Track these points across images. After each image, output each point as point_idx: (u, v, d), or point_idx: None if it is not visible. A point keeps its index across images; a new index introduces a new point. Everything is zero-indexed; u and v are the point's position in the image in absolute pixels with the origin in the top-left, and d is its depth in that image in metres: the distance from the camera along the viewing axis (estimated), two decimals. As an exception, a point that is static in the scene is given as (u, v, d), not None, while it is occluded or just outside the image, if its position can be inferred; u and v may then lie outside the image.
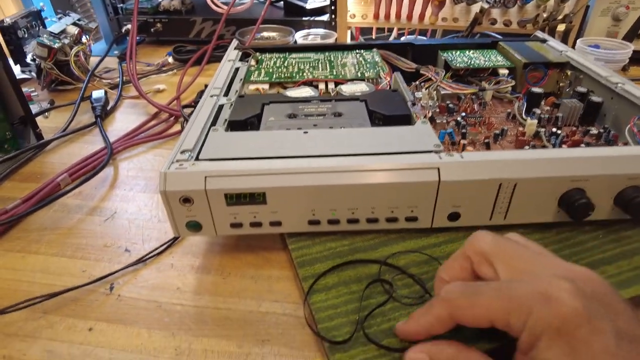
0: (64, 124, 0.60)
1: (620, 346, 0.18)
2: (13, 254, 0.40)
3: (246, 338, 0.32)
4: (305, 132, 0.38)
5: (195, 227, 0.35)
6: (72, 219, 0.45)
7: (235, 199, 0.33)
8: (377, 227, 0.36)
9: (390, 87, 0.50)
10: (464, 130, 0.45)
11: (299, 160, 0.34)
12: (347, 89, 0.48)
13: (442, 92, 0.53)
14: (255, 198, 0.33)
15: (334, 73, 0.53)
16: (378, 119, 0.42)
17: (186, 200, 0.33)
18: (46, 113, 0.63)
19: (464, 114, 0.50)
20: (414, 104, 0.44)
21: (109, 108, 0.65)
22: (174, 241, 0.40)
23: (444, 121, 0.48)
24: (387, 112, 0.42)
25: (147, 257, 0.39)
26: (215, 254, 0.39)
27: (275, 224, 0.35)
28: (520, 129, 0.46)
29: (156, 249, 0.39)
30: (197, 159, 0.35)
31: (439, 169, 0.33)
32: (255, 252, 0.39)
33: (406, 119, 0.42)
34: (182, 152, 0.35)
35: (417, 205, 0.35)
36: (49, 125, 0.62)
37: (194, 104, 0.59)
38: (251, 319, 0.33)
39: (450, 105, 0.51)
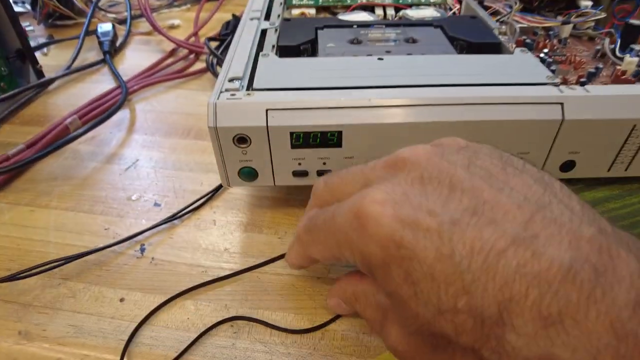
0: (68, 62, 0.52)
1: (454, 241, 0.14)
2: (20, 207, 0.33)
3: (318, 312, 0.26)
4: (380, 59, 0.30)
5: (250, 174, 0.28)
6: (86, 167, 0.37)
7: (303, 139, 0.26)
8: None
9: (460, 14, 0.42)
10: (552, 68, 0.38)
11: (383, 91, 0.26)
12: (413, 13, 0.40)
13: (517, 26, 0.44)
14: (328, 139, 0.26)
15: (392, -3, 0.44)
16: (461, 47, 0.34)
17: (242, 140, 0.26)
18: (45, 49, 0.55)
19: (545, 50, 0.42)
20: (499, 34, 0.36)
21: (118, 44, 0.56)
22: (214, 193, 0.34)
23: (525, 57, 0.40)
24: (472, 39, 0.34)
25: (184, 212, 0.32)
26: (265, 210, 0.32)
27: (349, 173, 0.28)
28: (618, 67, 0.39)
29: (194, 202, 0.33)
30: (249, 87, 0.27)
31: (562, 105, 0.26)
32: (313, 209, 0.32)
33: (496, 48, 0.34)
34: (231, 80, 0.28)
35: (529, 151, 0.28)
36: (49, 63, 0.53)
37: (220, 37, 0.50)
38: (321, 288, 0.27)
39: (528, 41, 0.43)
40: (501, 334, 0.13)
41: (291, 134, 0.26)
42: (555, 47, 0.43)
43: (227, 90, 0.27)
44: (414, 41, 0.35)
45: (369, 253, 0.16)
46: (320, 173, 0.28)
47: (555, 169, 0.29)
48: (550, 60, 0.39)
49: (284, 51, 0.33)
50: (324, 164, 0.28)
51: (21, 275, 0.27)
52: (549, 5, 0.48)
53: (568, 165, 0.29)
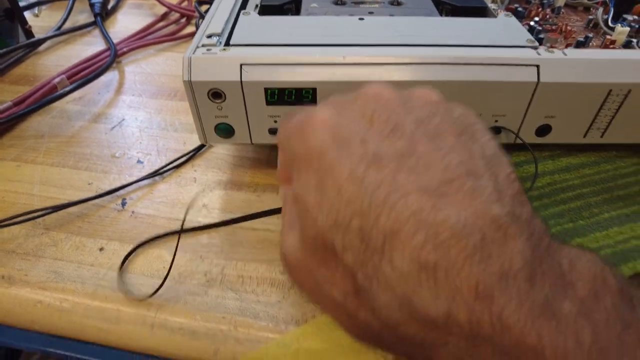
0: (58, 23, 0.52)
1: (370, 170, 0.14)
2: (7, 162, 0.34)
3: (290, 265, 0.27)
4: (361, 19, 0.30)
5: (226, 131, 0.28)
6: (73, 126, 0.38)
7: (278, 96, 0.26)
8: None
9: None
10: (540, 36, 0.37)
11: (360, 50, 0.27)
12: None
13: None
14: (303, 96, 0.26)
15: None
16: (446, 11, 0.34)
17: (216, 95, 0.26)
18: (36, 9, 0.55)
19: (537, 18, 0.41)
20: None
21: (109, 7, 0.55)
22: (196, 152, 0.34)
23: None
24: (458, 3, 0.34)
25: (165, 169, 0.33)
26: (246, 169, 0.33)
27: (324, 131, 0.28)
28: (609, 37, 0.38)
29: (175, 159, 0.33)
30: (227, 44, 0.28)
31: (538, 67, 0.26)
32: (292, 169, 0.33)
33: (481, 12, 0.34)
34: (209, 36, 0.28)
35: (505, 114, 0.28)
36: (40, 24, 0.53)
37: (210, 1, 0.50)
38: (294, 243, 0.28)
39: (520, 9, 0.42)
40: (378, 263, 0.14)
41: (266, 90, 0.26)
42: (547, 16, 0.43)
43: (203, 45, 0.27)
44: (399, 3, 0.34)
45: (297, 153, 0.17)
46: (296, 131, 0.28)
47: (531, 134, 0.29)
48: (540, 28, 0.39)
49: (266, 10, 0.33)
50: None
51: (5, 223, 0.28)
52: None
53: (544, 130, 0.29)
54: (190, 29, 0.52)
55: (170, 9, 0.53)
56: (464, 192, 0.14)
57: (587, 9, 0.44)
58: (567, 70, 0.26)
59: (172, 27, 0.52)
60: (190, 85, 0.26)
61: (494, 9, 0.34)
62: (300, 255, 0.17)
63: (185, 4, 0.56)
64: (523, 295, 0.12)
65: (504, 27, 0.30)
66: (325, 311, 0.17)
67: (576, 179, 0.29)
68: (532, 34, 0.39)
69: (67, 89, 0.38)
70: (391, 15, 0.32)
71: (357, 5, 0.34)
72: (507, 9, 0.41)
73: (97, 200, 0.31)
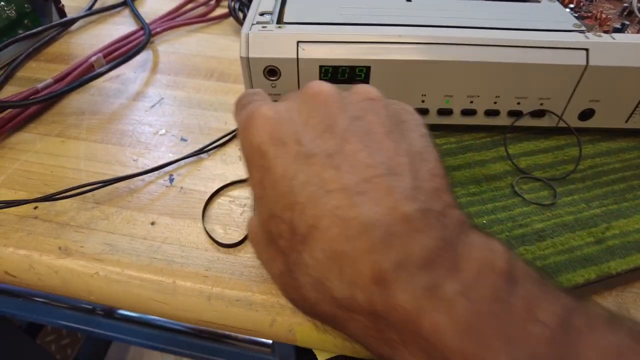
0: (89, 3, 0.52)
1: (301, 168, 0.16)
2: (51, 138, 0.35)
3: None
4: (409, 1, 0.30)
5: (276, 109, 0.29)
6: (112, 103, 0.38)
7: (332, 73, 0.27)
8: (495, 123, 0.30)
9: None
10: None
11: (411, 29, 0.27)
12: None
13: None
14: (356, 74, 0.27)
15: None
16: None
17: (272, 72, 0.27)
18: (66, -11, 0.54)
19: (571, 5, 0.41)
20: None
21: (138, -13, 0.55)
22: (238, 132, 0.35)
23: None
24: (500, -13, 0.34)
25: (211, 146, 0.33)
26: (288, 149, 0.33)
27: (374, 111, 0.29)
28: (644, 24, 0.39)
29: (220, 138, 0.34)
30: (280, 22, 0.28)
31: (587, 51, 0.27)
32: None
33: (523, -2, 0.34)
34: (262, 14, 0.28)
35: (550, 97, 0.28)
36: (70, 4, 0.53)
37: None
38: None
39: (553, -4, 0.42)
40: (301, 251, 0.16)
41: (320, 67, 0.27)
42: (581, 3, 0.43)
43: (258, 22, 0.27)
44: (442, -14, 0.34)
45: (244, 148, 0.19)
46: (345, 110, 0.29)
47: (574, 117, 0.30)
48: (575, 15, 0.39)
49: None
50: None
51: (58, 196, 0.29)
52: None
53: (587, 114, 0.29)
54: (220, 10, 0.52)
55: (200, -10, 0.53)
56: (381, 190, 0.15)
57: (619, -4, 0.45)
58: (616, 54, 0.27)
59: (202, 9, 0.52)
60: (247, 62, 0.26)
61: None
62: (257, 235, 0.19)
63: (213, -14, 0.56)
64: (413, 280, 0.14)
65: (549, 11, 0.31)
66: (274, 281, 0.19)
67: (617, 162, 0.29)
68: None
69: (105, 67, 0.39)
70: (437, -3, 0.32)
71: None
72: None
73: (144, 176, 0.31)
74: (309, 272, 0.16)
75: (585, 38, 0.27)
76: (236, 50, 0.44)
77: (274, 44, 0.26)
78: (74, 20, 0.48)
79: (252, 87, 0.28)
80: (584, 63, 0.27)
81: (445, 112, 0.29)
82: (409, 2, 0.30)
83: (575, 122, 0.30)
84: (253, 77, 0.27)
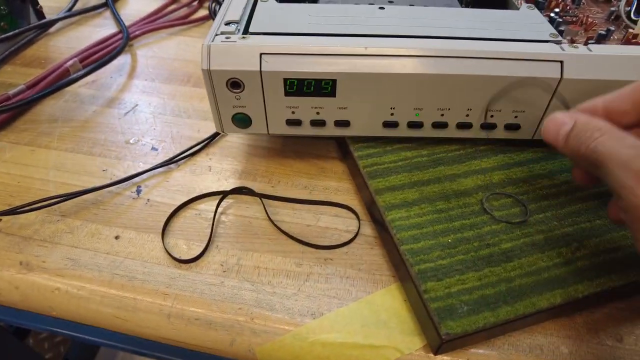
0: (69, 3, 0.51)
1: None
2: (21, 147, 0.34)
3: (306, 256, 0.27)
4: (382, 8, 0.30)
5: (243, 121, 0.28)
6: (86, 110, 0.38)
7: (297, 87, 0.26)
8: (467, 135, 0.29)
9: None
10: (561, 28, 0.37)
11: (381, 41, 0.26)
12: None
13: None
14: (322, 87, 0.26)
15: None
16: (467, 2, 0.33)
17: (235, 84, 0.26)
18: (47, -11, 0.54)
19: (557, 9, 0.40)
20: (508, -12, 0.35)
21: (120, -13, 0.54)
22: (210, 140, 0.34)
23: (535, 15, 0.39)
24: (479, -7, 0.33)
25: (180, 156, 0.33)
26: (260, 159, 0.33)
27: (342, 124, 0.28)
28: (631, 30, 0.38)
29: (190, 147, 0.33)
30: (245, 32, 0.27)
31: (562, 63, 0.26)
32: (306, 160, 0.33)
33: (502, 3, 0.33)
34: (227, 23, 0.28)
35: (525, 109, 0.27)
36: (50, 4, 0.52)
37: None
38: (310, 235, 0.28)
39: (540, 0, 0.41)
40: None
41: (285, 80, 0.26)
42: (568, 8, 0.42)
43: (222, 33, 0.27)
44: (419, -8, 0.33)
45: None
46: (314, 123, 0.28)
47: (551, 129, 0.29)
48: (560, 20, 0.38)
49: (284, -3, 0.33)
50: (318, 113, 0.28)
51: (22, 209, 0.28)
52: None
53: (564, 126, 0.28)
54: (202, 12, 0.51)
55: (182, -9, 0.52)
56: None
57: (608, 0, 0.43)
58: (591, 66, 0.26)
59: (184, 10, 0.51)
60: (209, 74, 0.25)
61: (515, 0, 0.34)
62: None
63: (196, -14, 0.55)
64: None
65: (527, 19, 0.29)
66: None
67: (595, 177, 0.28)
68: (552, 25, 0.38)
69: (80, 73, 0.38)
70: (411, 4, 0.31)
71: (376, -7, 0.33)
72: (528, 0, 0.40)
73: (112, 188, 0.31)
74: None
75: (561, 50, 0.26)
76: (215, 54, 0.44)
77: (236, 56, 0.25)
78: (52, 22, 0.47)
79: (216, 100, 0.27)
80: (558, 76, 0.26)
81: (415, 125, 0.28)
82: (381, 10, 0.29)
83: (551, 135, 0.29)
84: (216, 89, 0.26)
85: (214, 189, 0.30)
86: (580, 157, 0.20)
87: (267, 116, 0.28)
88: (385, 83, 0.26)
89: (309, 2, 0.33)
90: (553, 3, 0.42)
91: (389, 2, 0.32)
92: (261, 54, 0.25)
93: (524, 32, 0.28)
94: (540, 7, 0.41)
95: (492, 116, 0.28)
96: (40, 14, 0.47)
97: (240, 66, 0.25)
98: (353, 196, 0.30)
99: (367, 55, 0.25)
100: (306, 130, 0.28)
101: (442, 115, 0.27)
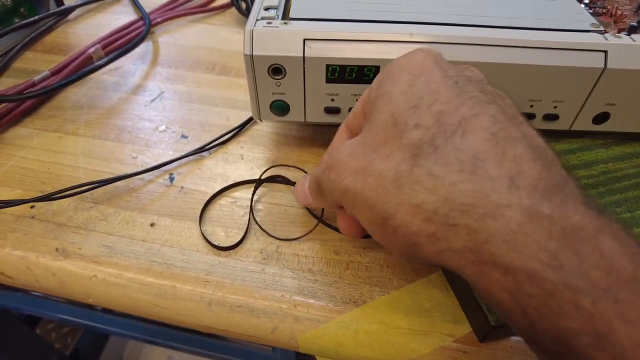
0: (87, -10, 0.50)
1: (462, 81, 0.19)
2: (48, 133, 0.34)
3: (344, 244, 0.26)
4: (421, -5, 0.29)
5: (281, 108, 0.28)
6: (111, 97, 0.37)
7: (339, 73, 0.26)
8: (506, 125, 0.29)
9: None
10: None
11: (425, 28, 0.26)
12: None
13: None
14: (364, 74, 0.26)
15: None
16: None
17: (277, 70, 0.26)
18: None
19: (586, 1, 0.40)
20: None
21: (137, -25, 0.54)
22: (241, 128, 0.34)
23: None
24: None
25: (211, 144, 0.32)
26: (292, 148, 0.33)
27: (381, 112, 0.28)
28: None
29: (221, 136, 0.33)
30: (285, 17, 0.27)
31: (606, 53, 0.25)
32: (339, 149, 0.32)
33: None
34: (267, 8, 0.27)
35: (565, 100, 0.27)
36: (67, -10, 0.52)
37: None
38: (347, 224, 0.27)
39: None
40: (449, 137, 0.17)
41: (327, 66, 0.25)
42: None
43: (263, 18, 0.26)
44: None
45: (396, 64, 0.21)
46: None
47: (588, 121, 0.29)
48: (590, 11, 0.38)
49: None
50: (357, 101, 0.27)
51: (55, 196, 0.28)
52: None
53: (602, 118, 0.28)
54: (221, 0, 0.51)
55: (201, -21, 0.51)
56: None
57: (633, -8, 0.43)
58: (636, 56, 0.26)
59: (203, -2, 0.50)
60: (251, 60, 0.25)
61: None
62: (357, 147, 0.20)
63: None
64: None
65: (566, 9, 0.29)
66: (364, 190, 0.19)
67: (631, 168, 0.28)
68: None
69: (104, 60, 0.37)
70: (449, -8, 0.31)
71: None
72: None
73: (143, 175, 0.30)
74: (459, 150, 0.16)
75: (604, 39, 0.26)
76: (238, 42, 0.43)
77: (279, 41, 0.25)
78: (71, 9, 0.47)
79: (256, 86, 0.27)
80: (602, 66, 0.26)
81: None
82: (420, -3, 0.29)
83: (589, 126, 0.29)
84: (257, 75, 0.26)
85: (248, 177, 0.30)
86: (330, 201, 0.22)
87: (305, 103, 0.28)
88: (428, 71, 0.26)
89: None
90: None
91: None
92: (305, 40, 0.25)
93: (565, 22, 0.28)
94: (568, -2, 0.41)
95: (531, 106, 0.28)
96: (59, 1, 0.46)
97: (284, 52, 0.25)
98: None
99: (412, 42, 0.25)
100: (344, 118, 0.28)
101: (483, 104, 0.27)
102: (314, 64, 0.25)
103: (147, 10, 0.47)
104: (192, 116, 0.35)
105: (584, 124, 0.29)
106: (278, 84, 0.26)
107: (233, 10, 0.48)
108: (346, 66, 0.25)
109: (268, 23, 0.26)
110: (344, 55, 0.25)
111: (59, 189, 0.28)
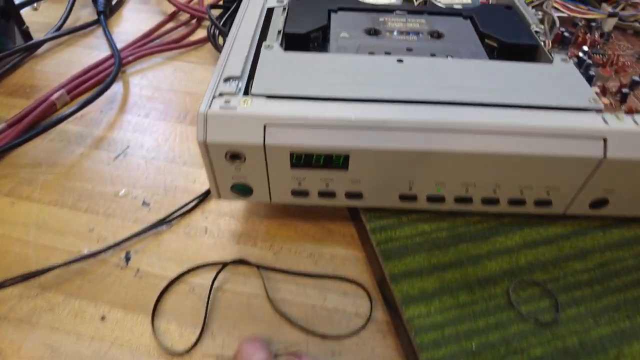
0: (58, 21, 0.47)
1: None
2: (0, 198, 0.31)
3: (311, 345, 0.24)
4: (400, 61, 0.26)
5: (243, 191, 0.25)
6: (73, 152, 0.35)
7: (304, 160, 0.23)
8: (493, 210, 0.26)
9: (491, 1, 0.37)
10: (591, 73, 0.33)
11: (402, 110, 0.23)
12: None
13: (555, 16, 0.39)
14: (333, 162, 0.23)
15: (418, -26, 0.39)
16: (491, 48, 0.30)
17: (235, 156, 0.23)
18: (35, 3, 0.50)
19: (585, 48, 0.37)
20: (536, 32, 0.32)
21: (114, 2, 0.51)
22: (205, 196, 0.31)
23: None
24: (505, 38, 0.30)
25: (173, 216, 0.30)
26: (261, 218, 0.30)
27: (354, 196, 0.25)
28: (668, 74, 0.34)
29: (184, 205, 0.30)
30: (247, 91, 0.24)
31: (605, 141, 0.23)
32: (311, 220, 0.30)
33: (531, 52, 0.30)
34: (226, 79, 0.24)
35: (559, 186, 0.24)
36: (38, 20, 0.49)
37: (224, 3, 0.45)
38: (315, 319, 0.25)
39: (566, 34, 0.38)
40: None
41: (291, 154, 0.23)
42: (596, 43, 0.39)
43: (221, 94, 0.23)
44: (439, 36, 0.30)
45: None
46: (322, 194, 0.25)
47: (584, 206, 0.26)
48: (590, 62, 0.35)
49: (291, 40, 0.29)
50: (327, 185, 0.25)
51: (-3, 283, 0.25)
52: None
53: (599, 203, 0.26)
54: (201, 32, 0.48)
55: (180, 8, 0.49)
56: None
57: (638, 34, 0.40)
58: (638, 144, 0.23)
59: (182, 30, 0.48)
60: (205, 147, 0.22)
61: (544, 45, 0.30)
62: None
63: (195, 1, 0.51)
64: None
65: (563, 77, 0.26)
66: None
67: (631, 258, 0.26)
68: (580, 68, 0.35)
69: (68, 112, 0.35)
70: (432, 55, 0.28)
71: (392, 36, 0.30)
72: (555, 36, 0.37)
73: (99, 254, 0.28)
74: None
75: (603, 122, 0.23)
76: (214, 85, 0.40)
77: (236, 126, 0.22)
78: (39, 44, 0.44)
79: (213, 171, 0.24)
80: (601, 155, 0.23)
81: (436, 199, 0.25)
82: (399, 63, 0.26)
83: (585, 210, 0.26)
84: (213, 161, 0.23)
85: (210, 258, 0.27)
86: None
87: (270, 186, 0.25)
88: (405, 159, 0.23)
89: (317, 44, 0.30)
90: (580, 38, 0.39)
91: (408, 50, 0.28)
92: (265, 125, 0.22)
93: (560, 96, 0.25)
94: (567, 42, 0.38)
95: (521, 192, 0.25)
96: (26, 35, 0.44)
97: (242, 138, 0.22)
98: (363, 267, 0.27)
99: (385, 128, 0.22)
100: (313, 200, 0.26)
101: (467, 190, 0.25)
102: (276, 151, 0.23)
103: (121, 44, 0.45)
104: (157, 177, 0.33)
105: (580, 208, 0.26)
106: (238, 168, 0.24)
107: (210, 46, 0.45)
108: (312, 154, 0.23)
109: (226, 102, 0.23)
110: (310, 143, 0.22)
111: (4, 276, 0.26)
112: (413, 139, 0.22)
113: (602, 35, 0.39)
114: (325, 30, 0.30)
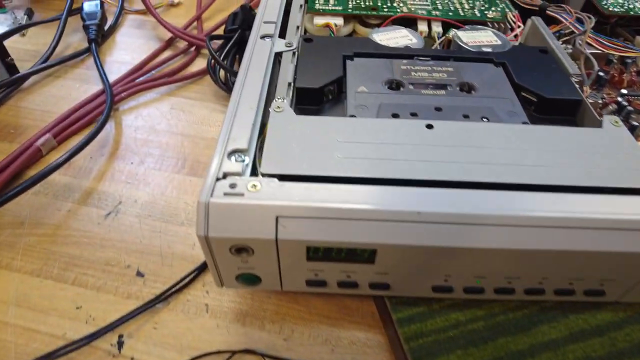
0: (46, 50, 0.44)
1: None
2: (-25, 267, 0.28)
3: None
4: (430, 127, 0.23)
5: (250, 280, 0.22)
6: (59, 209, 0.31)
7: (323, 254, 0.20)
8: (537, 299, 0.23)
9: (519, 41, 0.34)
10: (634, 123, 0.30)
11: (435, 193, 0.20)
12: (467, 38, 0.32)
13: (588, 52, 0.36)
14: (358, 255, 0.20)
15: (440, 7, 0.35)
16: (528, 102, 0.27)
17: (242, 250, 0.20)
18: (23, 30, 0.47)
19: (624, 90, 0.34)
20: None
21: (106, 27, 0.47)
22: (206, 266, 0.28)
23: (598, 101, 0.33)
24: (545, 93, 0.26)
25: (170, 292, 0.26)
26: (269, 294, 0.27)
27: (379, 287, 0.22)
28: None
29: (182, 279, 0.27)
30: (254, 167, 0.21)
31: (673, 232, 0.19)
32: (325, 296, 0.27)
33: (573, 107, 0.27)
34: (231, 153, 0.21)
35: (615, 279, 0.21)
36: (25, 47, 0.45)
37: (225, 33, 0.42)
38: None
39: (601, 74, 0.35)
40: None
41: (308, 248, 0.20)
42: (633, 82, 0.35)
43: (225, 176, 0.20)
44: (470, 89, 0.27)
45: None
46: (342, 284, 0.22)
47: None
48: (631, 108, 0.32)
49: (302, 95, 0.26)
50: (348, 276, 0.21)
51: (-33, 383, 0.22)
52: (626, 24, 0.40)
53: (658, 290, 0.22)
54: (200, 62, 0.44)
55: (177, 35, 0.45)
56: None
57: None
58: None
59: (181, 59, 0.44)
60: (206, 242, 0.19)
61: (592, 109, 0.27)
62: None
63: (194, 25, 0.48)
64: None
65: (617, 147, 0.23)
66: None
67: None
68: (620, 114, 0.32)
69: (54, 163, 0.31)
70: (465, 116, 0.25)
71: (417, 91, 0.26)
72: (587, 74, 0.33)
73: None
74: None
75: (669, 208, 0.20)
76: (214, 126, 0.37)
77: (244, 218, 0.19)
78: (26, 77, 0.41)
79: (215, 263, 0.21)
80: (667, 249, 0.19)
81: (474, 290, 0.22)
82: (429, 130, 0.23)
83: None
84: (216, 254, 0.20)
85: (213, 344, 0.24)
86: None
87: (281, 277, 0.22)
88: (441, 255, 0.20)
89: (332, 98, 0.27)
90: (616, 78, 0.35)
91: (437, 110, 0.25)
92: (277, 217, 0.19)
93: (619, 174, 0.21)
94: (603, 83, 0.35)
95: (570, 283, 0.22)
96: (11, 68, 0.40)
97: (250, 233, 0.19)
98: (386, 354, 0.24)
99: (420, 221, 0.19)
100: (332, 289, 0.22)
101: (509, 282, 0.21)
102: (290, 245, 0.19)
103: (114, 75, 0.41)
104: (152, 240, 0.29)
105: (636, 296, 0.23)
106: (244, 260, 0.20)
107: (209, 79, 0.41)
108: (332, 248, 0.19)
109: (231, 186, 0.20)
110: (329, 238, 0.19)
111: (-26, 371, 0.22)
112: (453, 233, 0.19)
113: (638, 72, 0.36)
114: (340, 84, 0.27)
